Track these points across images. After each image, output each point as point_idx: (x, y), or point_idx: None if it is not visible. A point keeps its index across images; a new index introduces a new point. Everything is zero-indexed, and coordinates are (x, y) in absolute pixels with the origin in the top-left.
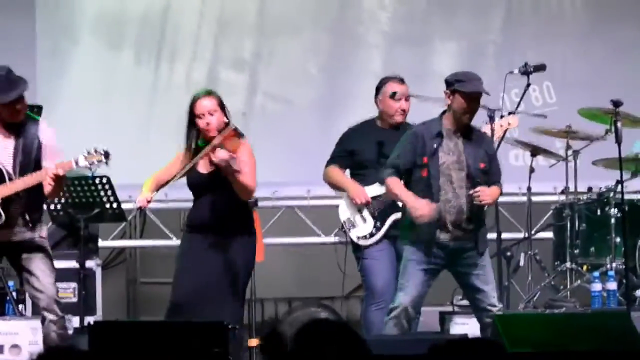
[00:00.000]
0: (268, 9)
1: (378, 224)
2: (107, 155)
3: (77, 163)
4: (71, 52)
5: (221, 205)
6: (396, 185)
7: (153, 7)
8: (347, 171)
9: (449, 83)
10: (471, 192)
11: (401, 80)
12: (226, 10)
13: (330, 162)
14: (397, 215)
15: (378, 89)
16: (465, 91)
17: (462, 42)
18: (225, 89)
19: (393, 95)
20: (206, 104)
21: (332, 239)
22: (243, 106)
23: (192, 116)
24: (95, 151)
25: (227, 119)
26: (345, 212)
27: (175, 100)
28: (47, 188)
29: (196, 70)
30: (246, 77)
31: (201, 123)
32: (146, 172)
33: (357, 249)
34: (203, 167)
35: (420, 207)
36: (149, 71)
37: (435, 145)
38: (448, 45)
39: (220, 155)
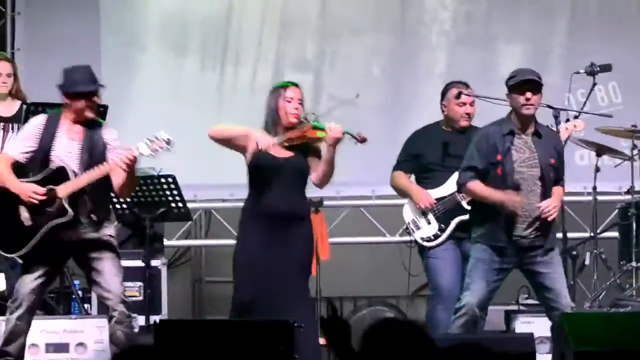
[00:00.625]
0: (329, 9)
1: (442, 226)
2: (168, 142)
3: (138, 149)
4: (137, 59)
5: (296, 193)
6: (480, 187)
7: (215, 10)
8: (413, 176)
9: (506, 83)
10: (539, 208)
11: (466, 85)
12: (288, 11)
13: (396, 167)
14: (462, 217)
15: (443, 94)
16: (513, 84)
17: (527, 44)
18: None
19: (458, 96)
20: (297, 92)
21: (397, 238)
22: (310, 107)
23: (277, 100)
24: (157, 138)
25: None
26: (409, 214)
27: (241, 102)
28: (118, 180)
29: (261, 72)
30: (310, 78)
31: (289, 107)
32: (212, 172)
33: (423, 249)
34: (278, 152)
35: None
36: (215, 75)
37: (507, 144)
38: (512, 48)
39: (337, 127)
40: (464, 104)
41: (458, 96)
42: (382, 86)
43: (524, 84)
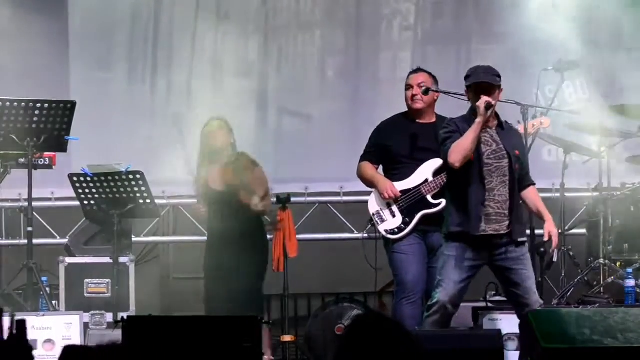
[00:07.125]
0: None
1: (407, 219)
2: None
3: None
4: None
5: None
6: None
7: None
8: (381, 167)
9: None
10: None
11: (416, 70)
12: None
13: (362, 157)
14: (426, 210)
15: None
16: (469, 85)
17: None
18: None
19: (407, 88)
20: None
21: (365, 234)
22: (255, 119)
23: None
24: None
25: None
26: (374, 206)
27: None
28: None
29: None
30: (254, 84)
31: None
32: (180, 168)
33: (387, 243)
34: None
35: None
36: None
37: None
38: (487, 46)
39: None
40: (411, 86)
41: (406, 88)
42: (337, 92)
43: (477, 85)
